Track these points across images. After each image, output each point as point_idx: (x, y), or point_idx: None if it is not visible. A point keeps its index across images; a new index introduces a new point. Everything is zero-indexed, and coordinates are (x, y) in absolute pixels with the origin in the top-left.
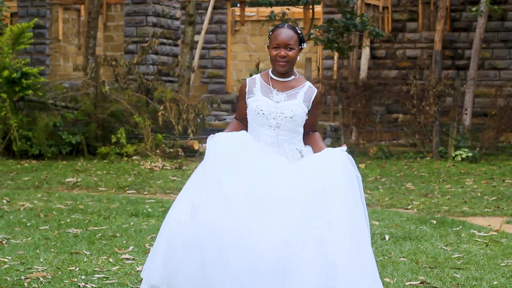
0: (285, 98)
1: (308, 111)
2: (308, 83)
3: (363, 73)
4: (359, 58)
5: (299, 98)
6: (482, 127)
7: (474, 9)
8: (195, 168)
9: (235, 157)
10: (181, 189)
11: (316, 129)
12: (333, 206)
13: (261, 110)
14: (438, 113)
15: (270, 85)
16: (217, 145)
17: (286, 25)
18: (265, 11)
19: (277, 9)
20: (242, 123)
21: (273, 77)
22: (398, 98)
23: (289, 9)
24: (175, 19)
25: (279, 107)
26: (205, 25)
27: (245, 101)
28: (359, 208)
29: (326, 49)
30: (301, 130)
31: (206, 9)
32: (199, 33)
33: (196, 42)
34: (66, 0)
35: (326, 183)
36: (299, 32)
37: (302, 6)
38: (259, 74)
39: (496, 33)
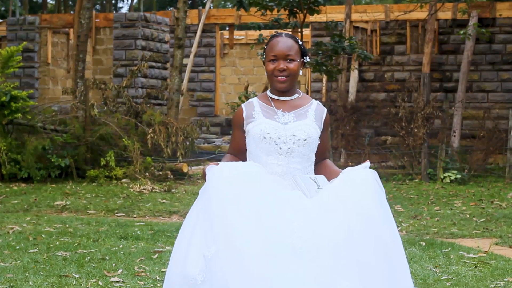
0: (294, 118)
1: (320, 133)
2: (315, 102)
3: (351, 95)
4: (348, 80)
5: (310, 118)
6: (471, 149)
7: (462, 32)
8: (184, 191)
9: (244, 195)
10: (170, 212)
11: (328, 156)
12: (368, 247)
13: (268, 134)
14: (426, 135)
15: (272, 106)
16: (220, 177)
17: (284, 33)
18: (254, 34)
19: (265, 33)
20: (238, 158)
21: (273, 96)
22: (387, 121)
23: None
24: (164, 42)
25: (289, 129)
26: (194, 48)
27: (243, 130)
28: (395, 238)
29: (315, 72)
30: (314, 157)
31: (195, 32)
32: (188, 56)
33: (185, 65)
34: (55, 24)
35: (355, 219)
36: (300, 42)
37: (290, 30)
38: (255, 97)
39: (484, 55)
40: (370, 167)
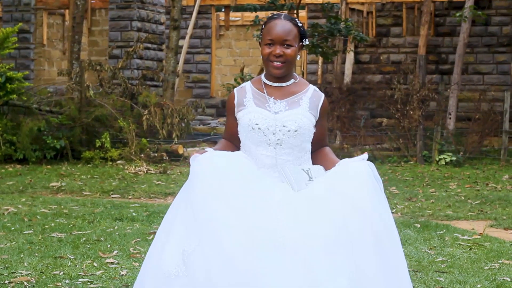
0: (285, 107)
1: (316, 121)
2: (312, 87)
3: (347, 77)
4: (343, 62)
5: (304, 106)
6: (466, 131)
7: (458, 14)
8: (180, 172)
9: (229, 189)
10: (165, 193)
11: (327, 143)
12: (361, 244)
13: (257, 124)
14: (422, 117)
15: (264, 93)
16: (205, 169)
17: (283, 15)
18: (250, 16)
19: (261, 14)
20: (233, 144)
21: (267, 82)
22: (382, 103)
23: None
24: (160, 24)
25: (279, 119)
26: (189, 30)
27: (235, 117)
28: (392, 234)
29: (311, 54)
30: (308, 146)
31: (191, 14)
32: (183, 37)
33: (181, 47)
34: (51, 5)
35: (348, 215)
36: (300, 24)
37: (286, 11)
38: (249, 82)
39: (480, 38)
40: (367, 153)
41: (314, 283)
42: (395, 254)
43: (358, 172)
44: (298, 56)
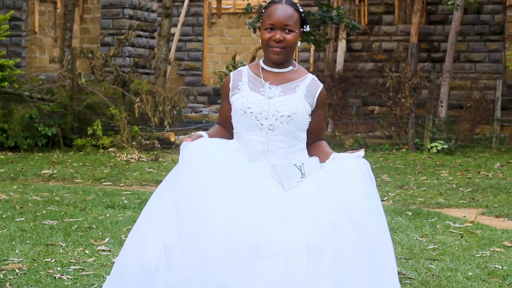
0: (280, 92)
1: (312, 111)
2: (310, 76)
3: (339, 65)
4: (335, 50)
5: (300, 93)
6: (458, 119)
7: (450, 2)
8: (171, 160)
9: (217, 185)
10: (157, 181)
11: (323, 137)
12: (349, 252)
13: (249, 108)
14: (413, 105)
15: (261, 78)
16: (195, 160)
17: (284, 0)
18: (242, 3)
19: (253, 2)
20: (226, 130)
21: (265, 67)
22: (374, 91)
23: (265, 2)
24: (152, 11)
25: (273, 104)
26: (181, 18)
27: (229, 101)
28: (384, 238)
29: (303, 41)
30: (303, 136)
31: (183, 1)
32: (175, 25)
33: (173, 35)
34: None
35: (338, 220)
36: (301, 10)
37: None
38: (246, 66)
39: (472, 26)
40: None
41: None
42: (385, 262)
43: (353, 172)
44: (299, 43)
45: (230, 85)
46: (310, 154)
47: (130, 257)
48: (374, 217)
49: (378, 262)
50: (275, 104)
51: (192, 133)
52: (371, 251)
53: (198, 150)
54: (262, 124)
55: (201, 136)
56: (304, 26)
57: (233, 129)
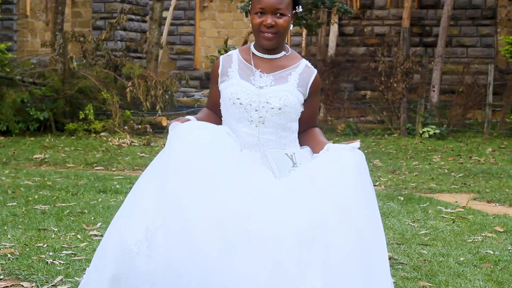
0: (271, 82)
1: (305, 100)
2: (304, 62)
3: (331, 50)
4: (328, 35)
5: (292, 82)
6: (450, 104)
7: None
8: (163, 144)
9: (206, 169)
10: (148, 166)
11: (316, 124)
12: (339, 245)
13: (238, 99)
14: (405, 90)
15: (251, 65)
16: (183, 143)
17: None
18: None
19: None
20: (216, 114)
21: (256, 53)
22: (366, 75)
23: None
24: None
25: (263, 95)
26: (173, 1)
27: (218, 87)
28: (377, 232)
29: (295, 26)
30: (295, 126)
31: None
32: (167, 9)
33: (165, 18)
34: None
35: (329, 213)
36: None
37: None
38: (237, 50)
39: (464, 10)
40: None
41: (282, 279)
42: (377, 256)
43: (348, 164)
44: (291, 26)
45: (219, 71)
46: (303, 142)
47: (111, 242)
48: (367, 210)
49: (370, 256)
50: (265, 95)
51: (180, 118)
52: (363, 244)
53: (187, 134)
54: (251, 116)
55: (189, 120)
56: (297, 7)
57: (221, 114)
